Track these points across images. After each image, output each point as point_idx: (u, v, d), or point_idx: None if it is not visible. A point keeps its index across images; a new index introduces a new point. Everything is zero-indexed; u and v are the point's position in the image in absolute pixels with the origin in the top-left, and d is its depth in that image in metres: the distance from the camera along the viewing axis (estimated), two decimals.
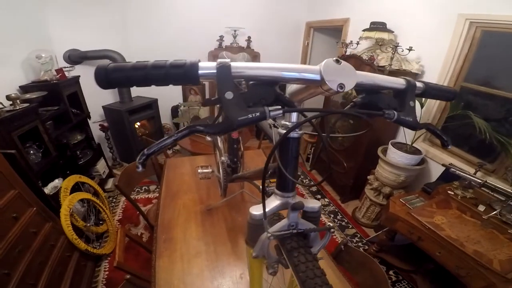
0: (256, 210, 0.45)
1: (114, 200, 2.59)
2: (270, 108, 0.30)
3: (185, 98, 3.86)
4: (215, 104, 0.31)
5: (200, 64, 0.27)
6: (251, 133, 3.91)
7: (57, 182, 1.90)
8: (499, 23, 1.68)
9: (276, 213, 0.50)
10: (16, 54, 2.22)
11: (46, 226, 1.51)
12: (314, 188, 2.88)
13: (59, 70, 2.40)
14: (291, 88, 0.40)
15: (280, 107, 0.30)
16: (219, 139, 1.49)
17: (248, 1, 3.51)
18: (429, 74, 2.11)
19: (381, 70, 2.12)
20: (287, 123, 0.42)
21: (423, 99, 1.93)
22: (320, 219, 2.39)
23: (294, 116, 0.41)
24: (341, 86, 0.31)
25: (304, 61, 3.97)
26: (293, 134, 0.41)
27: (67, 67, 2.60)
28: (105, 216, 2.07)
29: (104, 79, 0.24)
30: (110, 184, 2.70)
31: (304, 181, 3.04)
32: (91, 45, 2.89)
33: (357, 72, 0.34)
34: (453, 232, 1.35)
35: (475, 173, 1.64)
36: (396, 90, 0.40)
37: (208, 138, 1.51)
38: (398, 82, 0.40)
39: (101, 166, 2.73)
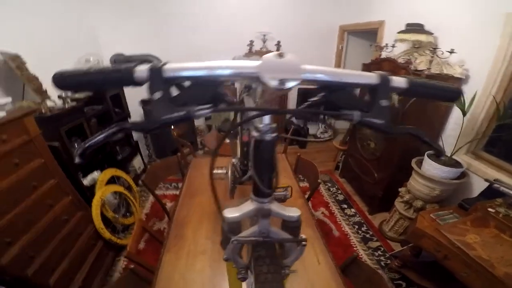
0: (230, 213, 0.45)
1: (145, 194, 2.73)
2: (199, 107, 0.29)
3: None
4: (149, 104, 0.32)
5: (136, 68, 0.28)
6: (279, 139, 3.88)
7: (95, 174, 2.07)
8: None
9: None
10: (68, 58, 2.46)
11: (78, 214, 1.65)
12: (341, 197, 2.76)
13: None
14: (257, 91, 0.39)
15: (209, 105, 0.30)
16: (238, 142, 1.51)
17: (279, 6, 3.52)
18: (475, 78, 1.91)
19: (417, 74, 1.97)
20: (260, 125, 0.41)
21: (466, 105, 1.76)
22: (331, 226, 2.27)
23: (267, 118, 0.40)
24: (282, 82, 0.29)
25: (338, 65, 3.85)
26: (266, 137, 0.40)
27: None
28: (134, 209, 2.20)
29: (60, 82, 0.26)
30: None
31: (331, 189, 2.92)
32: (134, 50, 3.11)
33: (307, 66, 0.31)
34: (485, 252, 1.21)
35: None
36: (366, 87, 0.35)
37: (227, 140, 1.53)
38: (368, 77, 0.34)
39: (137, 162, 2.92)
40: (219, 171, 1.37)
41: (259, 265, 0.39)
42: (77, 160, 0.31)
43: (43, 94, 1.81)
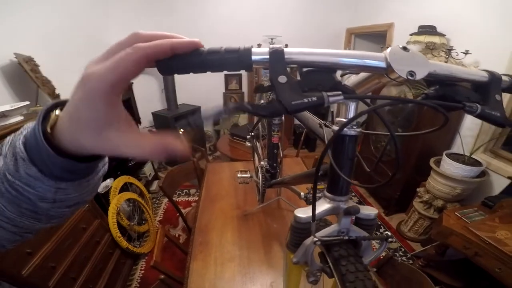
0: (301, 213, 0.43)
1: (157, 201, 2.72)
2: (329, 93, 0.27)
3: None
4: (267, 91, 0.30)
5: (253, 50, 0.26)
6: (289, 142, 3.88)
7: (108, 181, 2.04)
8: None
9: (323, 219, 0.47)
10: (80, 61, 2.44)
11: (95, 222, 1.62)
12: (355, 200, 2.73)
13: None
14: (350, 80, 0.37)
15: (340, 92, 0.28)
16: (258, 144, 1.49)
17: (286, 8, 3.54)
18: None
19: None
20: (342, 119, 0.39)
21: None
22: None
23: (351, 111, 0.38)
24: (411, 74, 0.27)
25: None
26: (350, 132, 0.38)
27: None
28: (147, 216, 2.18)
29: (165, 64, 0.23)
30: (154, 186, 2.86)
31: None
32: None
33: (431, 61, 0.30)
34: None
35: None
36: (477, 82, 0.34)
37: (248, 144, 1.52)
38: (479, 74, 0.34)
39: (148, 169, 2.90)
40: (244, 175, 1.35)
41: (343, 264, 0.37)
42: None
43: (57, 98, 1.79)
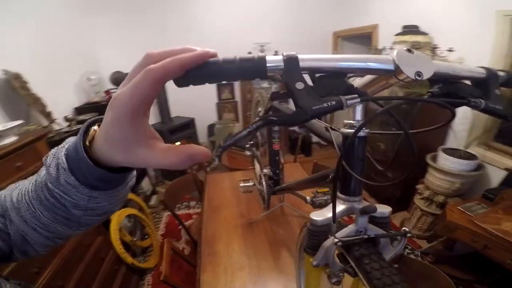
0: (317, 216, 0.43)
1: (157, 216, 2.68)
2: (346, 97, 0.28)
3: (219, 117, 3.98)
4: (283, 98, 0.31)
5: (268, 58, 0.26)
6: (286, 148, 3.89)
7: None
8: None
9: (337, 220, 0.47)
10: (69, 77, 2.41)
11: (98, 239, 1.60)
12: None
13: (108, 92, 2.60)
14: (355, 82, 0.38)
15: (356, 95, 0.29)
16: (258, 152, 1.50)
17: (274, 15, 3.60)
18: None
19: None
20: (351, 121, 0.40)
21: None
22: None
23: (358, 113, 0.39)
24: (419, 74, 0.29)
25: None
26: (360, 133, 0.39)
27: (114, 89, 2.77)
28: (149, 231, 2.15)
29: (179, 79, 0.24)
30: (153, 200, 2.83)
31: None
32: (131, 67, 3.10)
33: (434, 61, 0.32)
34: None
35: None
36: (476, 79, 0.37)
37: (248, 153, 1.52)
38: (478, 71, 0.36)
39: (145, 184, 2.87)
40: (247, 184, 1.36)
41: (366, 262, 0.37)
42: (216, 161, 0.29)
43: (49, 117, 1.77)
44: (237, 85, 3.91)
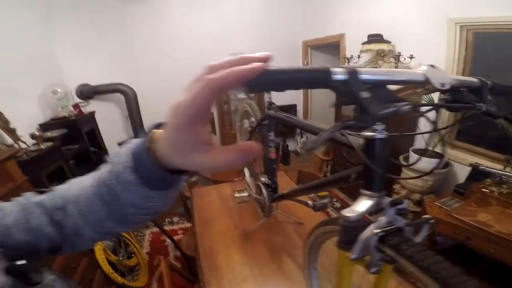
0: (349, 212, 0.46)
1: (140, 233, 2.60)
2: (400, 103, 0.34)
3: None
4: (348, 104, 0.35)
5: (332, 70, 0.30)
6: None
7: None
8: (487, 25, 1.79)
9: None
10: (31, 88, 2.23)
11: (83, 260, 1.52)
12: (337, 205, 2.84)
13: (76, 106, 2.43)
14: None
15: (409, 102, 0.35)
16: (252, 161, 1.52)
17: (247, 24, 3.69)
18: None
19: None
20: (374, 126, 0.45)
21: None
22: None
23: None
24: (443, 84, 0.37)
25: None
26: (381, 136, 0.43)
27: (82, 103, 2.63)
28: (134, 249, 2.05)
29: (254, 82, 0.25)
30: None
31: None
32: (100, 79, 2.93)
33: (449, 74, 0.40)
34: (502, 227, 1.33)
35: (504, 168, 1.64)
36: (472, 87, 0.45)
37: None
38: (473, 80, 0.45)
39: None
40: (242, 195, 1.36)
41: (405, 248, 0.41)
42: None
43: (13, 134, 1.63)
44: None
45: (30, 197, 0.44)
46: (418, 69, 0.38)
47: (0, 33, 1.99)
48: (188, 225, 2.56)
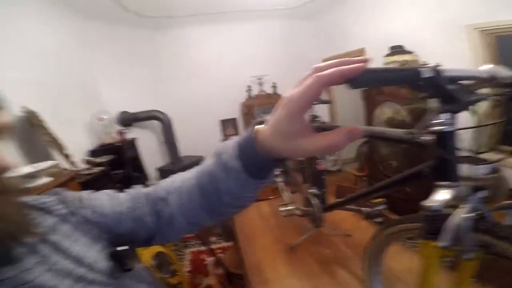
0: (431, 202, 0.48)
1: (180, 252, 2.67)
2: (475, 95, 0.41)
3: None
4: (432, 98, 0.40)
5: (420, 69, 0.35)
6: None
7: None
8: (506, 27, 1.77)
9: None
10: (80, 116, 2.37)
11: None
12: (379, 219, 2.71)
13: (119, 133, 2.55)
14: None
15: (485, 93, 0.43)
16: (288, 179, 1.54)
17: (266, 47, 3.84)
18: None
19: None
20: (443, 120, 0.46)
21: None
22: None
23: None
24: (507, 78, 0.42)
25: (330, 96, 4.02)
26: (451, 128, 0.46)
27: (124, 129, 2.75)
28: (177, 267, 2.09)
29: (359, 79, 0.29)
30: None
31: None
32: (137, 107, 3.12)
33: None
34: None
35: None
36: None
37: (279, 180, 1.57)
38: None
39: None
40: (288, 208, 1.38)
41: (498, 230, 0.43)
42: None
43: (69, 159, 1.76)
44: (240, 120, 4.03)
45: (140, 189, 0.49)
46: (483, 67, 0.43)
47: (52, 61, 2.18)
48: (226, 244, 2.59)
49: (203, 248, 2.64)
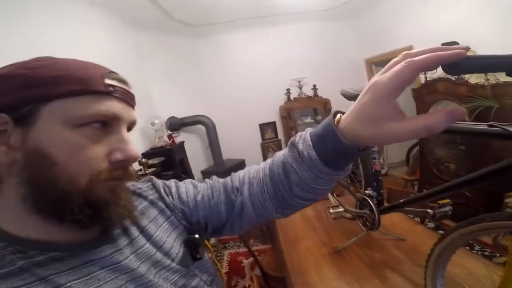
0: None
1: (219, 254, 2.73)
2: None
3: (264, 157, 4.06)
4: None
5: None
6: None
7: None
8: None
9: None
10: (138, 121, 2.60)
11: None
12: (431, 225, 2.50)
13: (170, 136, 2.71)
14: None
15: None
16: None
17: (304, 50, 3.79)
18: None
19: (475, 87, 2.01)
20: None
21: None
22: None
23: None
24: None
25: None
26: None
27: (174, 133, 2.92)
28: (219, 267, 2.13)
29: (457, 63, 0.30)
30: (213, 239, 2.83)
31: None
32: (183, 112, 3.28)
33: None
34: None
35: None
36: None
37: None
38: None
39: None
40: (337, 210, 1.34)
41: None
42: None
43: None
44: (279, 124, 4.03)
45: (217, 179, 0.52)
46: None
47: (110, 67, 2.44)
48: (264, 247, 2.59)
49: (241, 250, 2.72)
